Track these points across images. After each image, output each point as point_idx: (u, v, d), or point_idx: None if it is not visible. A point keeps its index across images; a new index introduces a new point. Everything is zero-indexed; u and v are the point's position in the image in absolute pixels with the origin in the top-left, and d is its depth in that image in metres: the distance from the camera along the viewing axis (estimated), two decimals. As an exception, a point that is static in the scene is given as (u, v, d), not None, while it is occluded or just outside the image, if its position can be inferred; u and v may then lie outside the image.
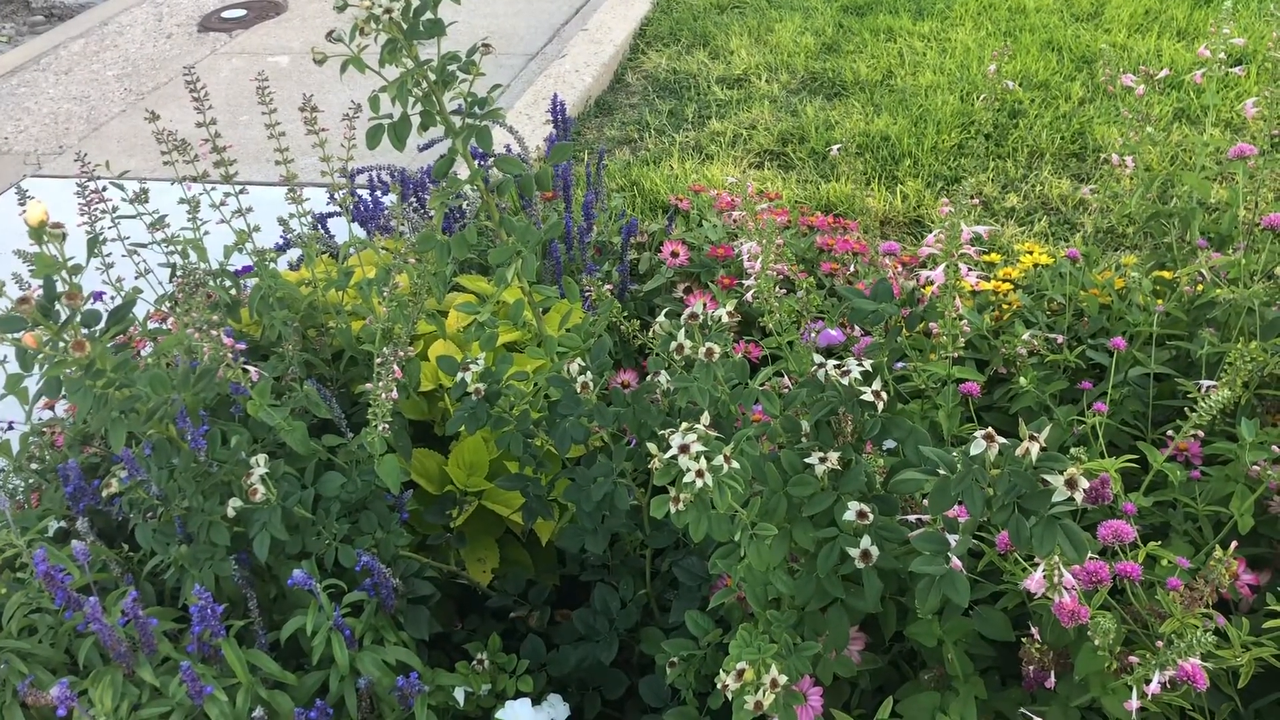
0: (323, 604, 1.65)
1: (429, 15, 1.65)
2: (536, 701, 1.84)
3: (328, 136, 2.16)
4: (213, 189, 2.14)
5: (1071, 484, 1.12)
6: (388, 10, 1.57)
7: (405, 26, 1.63)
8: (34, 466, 2.16)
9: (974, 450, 1.16)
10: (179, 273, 2.10)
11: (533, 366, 2.10)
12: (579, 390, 1.70)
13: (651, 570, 1.98)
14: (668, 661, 1.70)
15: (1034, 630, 1.41)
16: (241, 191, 2.17)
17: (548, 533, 2.12)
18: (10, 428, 2.31)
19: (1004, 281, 2.36)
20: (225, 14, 6.03)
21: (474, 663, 1.86)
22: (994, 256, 2.59)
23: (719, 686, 1.34)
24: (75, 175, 2.21)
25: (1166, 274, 2.13)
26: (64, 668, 1.72)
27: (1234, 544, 1.38)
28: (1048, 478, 1.13)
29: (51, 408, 2.31)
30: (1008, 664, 1.55)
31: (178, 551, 1.73)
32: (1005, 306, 2.31)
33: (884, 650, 1.66)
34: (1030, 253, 2.41)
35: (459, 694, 1.81)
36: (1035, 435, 1.15)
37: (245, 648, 1.67)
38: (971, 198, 3.54)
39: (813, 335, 2.06)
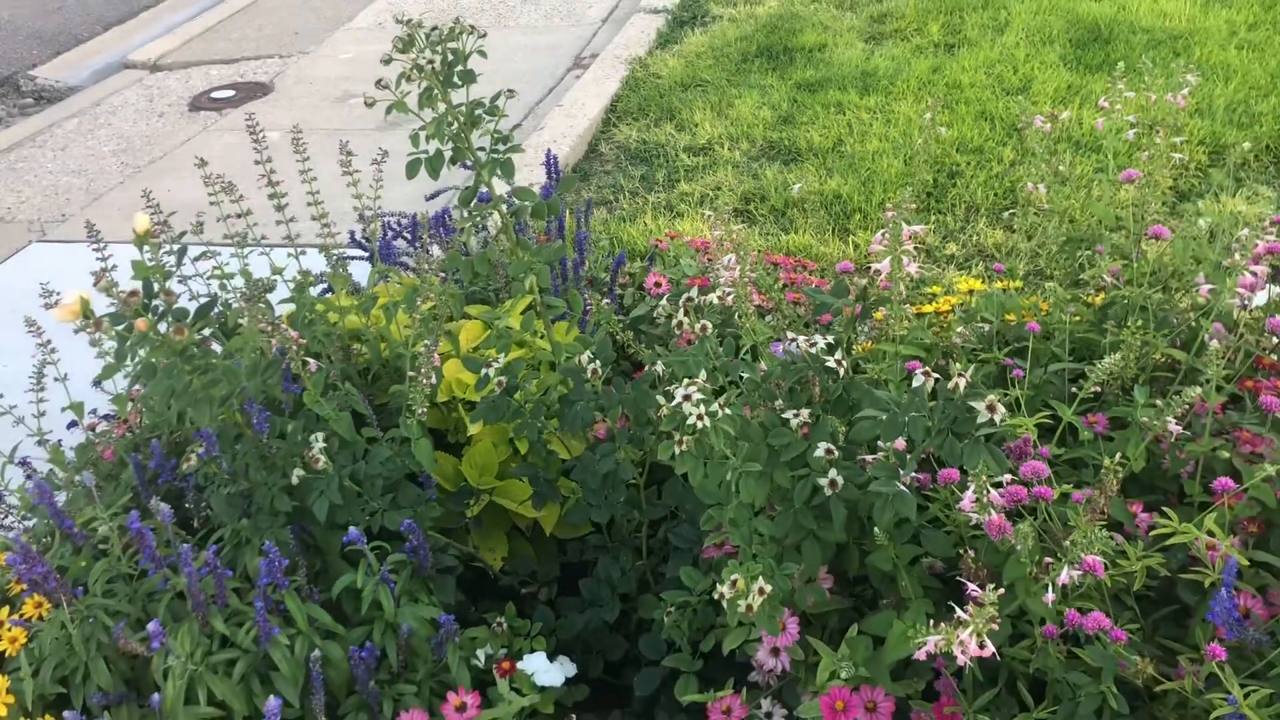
0: (371, 562, 1.92)
1: (461, 67, 1.99)
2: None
3: (325, 203, 2.51)
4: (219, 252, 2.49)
5: (991, 408, 1.44)
6: (430, 61, 1.91)
7: (442, 76, 1.97)
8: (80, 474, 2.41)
9: (915, 383, 1.48)
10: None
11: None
12: (589, 375, 2.00)
13: (647, 548, 2.26)
14: (665, 611, 1.98)
15: (970, 553, 1.72)
16: (261, 252, 2.51)
17: (552, 523, 2.40)
18: (73, 425, 2.55)
19: (945, 307, 2.71)
20: (215, 94, 6.38)
21: (493, 625, 2.13)
22: (935, 289, 2.95)
23: (715, 596, 1.62)
24: (81, 240, 2.51)
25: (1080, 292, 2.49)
26: (139, 625, 1.96)
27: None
28: (973, 403, 1.45)
29: (94, 429, 2.57)
30: (955, 598, 1.86)
31: (240, 524, 1.99)
32: (944, 326, 2.66)
33: (849, 595, 1.96)
34: (967, 284, 2.77)
35: (480, 655, 2.08)
36: (963, 373, 1.48)
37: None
38: (917, 244, 3.92)
39: (783, 347, 2.39)
